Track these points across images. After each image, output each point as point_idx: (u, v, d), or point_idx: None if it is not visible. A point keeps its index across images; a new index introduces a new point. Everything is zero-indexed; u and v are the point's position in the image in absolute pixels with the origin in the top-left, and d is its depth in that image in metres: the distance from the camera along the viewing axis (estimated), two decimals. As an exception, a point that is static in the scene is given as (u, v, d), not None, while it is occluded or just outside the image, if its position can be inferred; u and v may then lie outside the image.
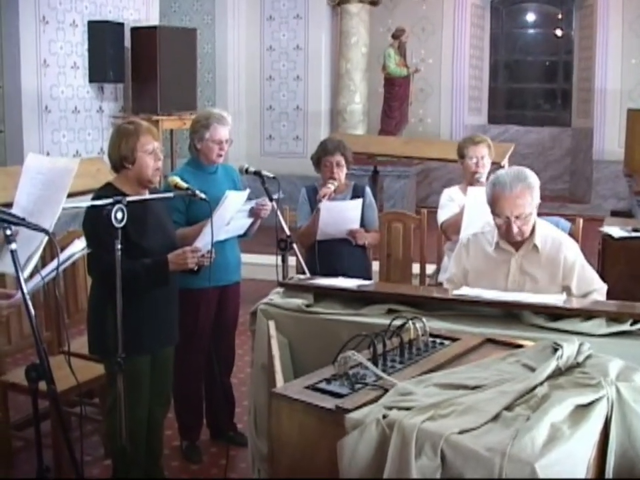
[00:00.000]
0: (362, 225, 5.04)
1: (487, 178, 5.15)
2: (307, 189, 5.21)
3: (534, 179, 3.76)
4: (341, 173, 5.06)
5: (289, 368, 3.32)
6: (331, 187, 4.95)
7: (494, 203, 3.74)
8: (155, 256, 3.70)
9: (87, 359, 4.23)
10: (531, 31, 15.46)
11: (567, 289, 3.75)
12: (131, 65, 9.48)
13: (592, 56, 13.41)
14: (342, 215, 4.99)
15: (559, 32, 14.97)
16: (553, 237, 3.88)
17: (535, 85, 15.37)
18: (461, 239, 4.22)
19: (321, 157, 5.08)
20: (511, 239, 3.79)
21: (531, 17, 15.34)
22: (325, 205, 4.89)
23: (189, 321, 4.30)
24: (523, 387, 2.30)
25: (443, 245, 5.47)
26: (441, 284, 5.10)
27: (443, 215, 5.21)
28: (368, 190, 5.24)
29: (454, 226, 5.02)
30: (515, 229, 3.72)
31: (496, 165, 8.73)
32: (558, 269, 3.79)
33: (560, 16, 14.93)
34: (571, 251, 3.85)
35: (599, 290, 3.80)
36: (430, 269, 5.81)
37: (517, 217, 3.69)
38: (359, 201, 5.00)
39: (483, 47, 14.95)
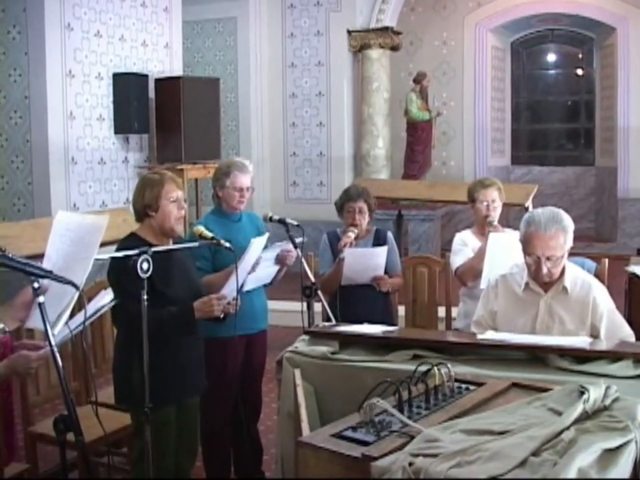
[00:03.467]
0: (385, 270, 5.05)
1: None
2: (328, 235, 5.23)
3: (569, 222, 3.73)
4: (363, 220, 5.09)
5: (315, 415, 3.31)
6: (352, 235, 4.97)
7: (527, 242, 3.73)
8: (181, 304, 3.72)
9: (114, 409, 4.22)
10: (552, 71, 15.50)
11: (595, 333, 3.73)
12: (155, 115, 9.56)
13: (614, 94, 13.43)
14: (367, 261, 5.00)
15: (579, 72, 15.02)
16: (582, 279, 3.85)
17: (557, 125, 15.39)
18: (489, 280, 4.19)
19: (344, 203, 5.12)
20: (539, 279, 3.78)
21: (551, 58, 15.40)
22: (349, 252, 4.91)
23: (216, 370, 4.30)
24: (550, 432, 2.28)
25: (458, 291, 5.42)
26: (457, 330, 5.07)
27: (457, 261, 5.15)
28: (390, 235, 5.26)
29: (470, 271, 4.99)
30: (545, 270, 3.70)
31: (520, 207, 8.78)
32: (587, 311, 3.76)
33: (580, 56, 14.99)
34: (601, 295, 3.82)
35: (627, 337, 3.76)
36: (456, 312, 5.78)
37: (547, 258, 3.67)
38: (385, 249, 5.01)
39: (504, 89, 15.02)
